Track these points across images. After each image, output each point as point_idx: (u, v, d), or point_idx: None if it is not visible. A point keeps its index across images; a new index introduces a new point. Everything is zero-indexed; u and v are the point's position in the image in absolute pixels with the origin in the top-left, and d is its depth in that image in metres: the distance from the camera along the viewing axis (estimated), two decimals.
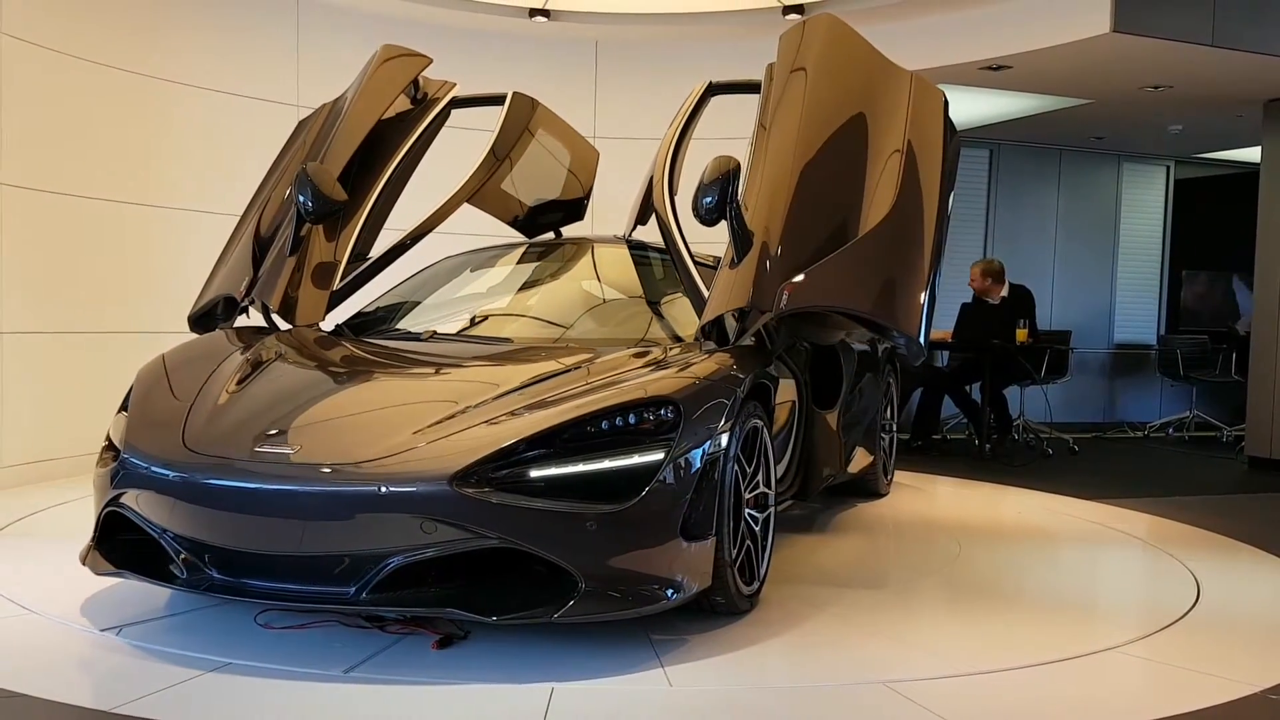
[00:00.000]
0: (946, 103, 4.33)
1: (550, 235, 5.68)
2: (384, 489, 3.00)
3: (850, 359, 4.91)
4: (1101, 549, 5.18)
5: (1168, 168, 11.18)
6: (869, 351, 5.63)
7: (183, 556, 3.24)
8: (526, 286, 5.00)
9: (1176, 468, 8.40)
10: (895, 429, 6.39)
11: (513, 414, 3.25)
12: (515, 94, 5.30)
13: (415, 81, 5.08)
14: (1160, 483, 7.44)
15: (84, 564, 3.48)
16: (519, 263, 5.15)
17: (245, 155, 6.93)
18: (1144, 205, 11.15)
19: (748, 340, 3.94)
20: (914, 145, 4.09)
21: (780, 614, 3.72)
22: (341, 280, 4.66)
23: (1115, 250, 11.01)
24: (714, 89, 4.82)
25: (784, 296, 3.71)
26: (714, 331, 3.92)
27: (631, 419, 3.21)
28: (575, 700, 2.88)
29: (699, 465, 3.26)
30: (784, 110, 4.07)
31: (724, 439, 3.36)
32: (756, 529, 3.70)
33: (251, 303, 4.54)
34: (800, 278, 3.72)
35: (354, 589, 3.03)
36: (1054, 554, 5.05)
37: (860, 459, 5.52)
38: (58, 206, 5.99)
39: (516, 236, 5.85)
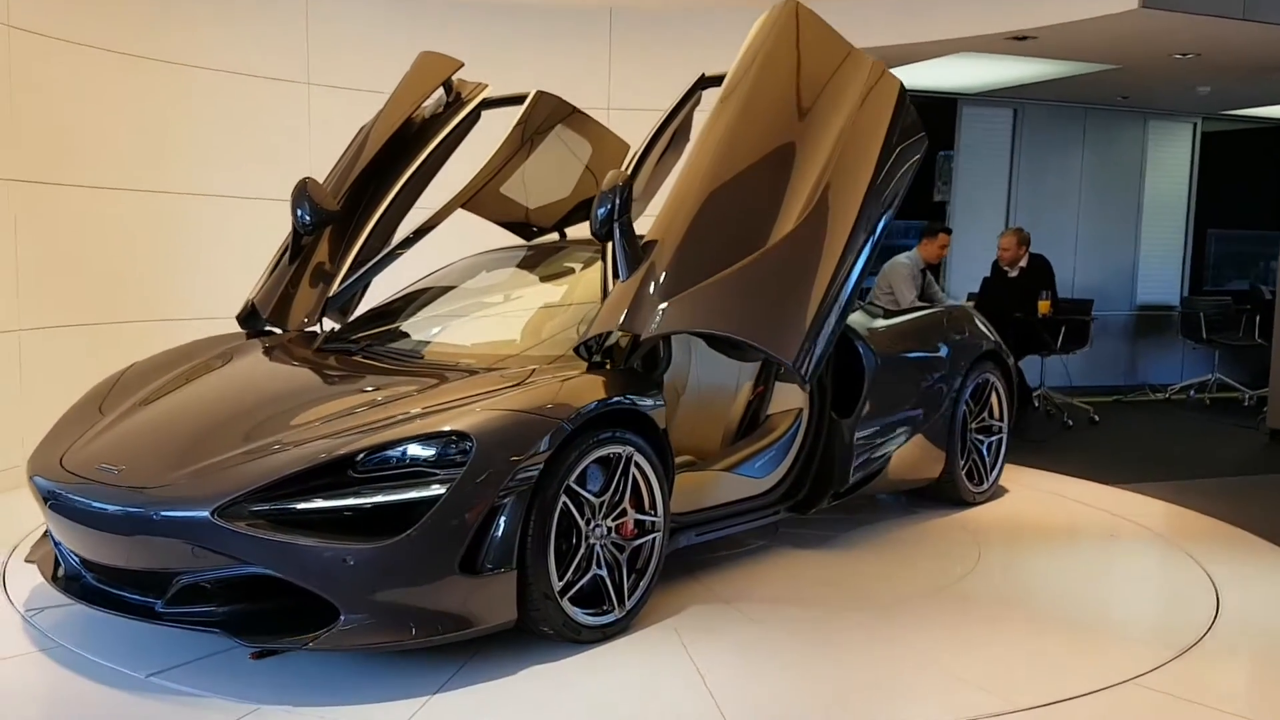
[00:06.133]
0: (903, 95, 4.16)
1: (554, 237, 5.61)
2: (156, 515, 3.21)
3: (873, 359, 4.81)
4: (1120, 551, 5.11)
5: (1194, 124, 10.96)
6: (933, 355, 5.38)
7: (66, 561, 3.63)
8: (490, 293, 5.02)
9: (1196, 441, 8.34)
10: (1006, 430, 5.79)
11: (309, 441, 3.33)
12: (538, 93, 5.20)
13: (449, 84, 5.06)
14: (1180, 460, 7.40)
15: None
16: (515, 267, 5.12)
17: (257, 137, 6.88)
18: (1170, 163, 10.96)
19: (637, 360, 3.91)
20: (848, 151, 3.97)
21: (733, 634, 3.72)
22: (340, 284, 4.69)
23: (1140, 210, 10.86)
24: (705, 82, 4.58)
25: (657, 319, 3.64)
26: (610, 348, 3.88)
27: (427, 451, 3.24)
28: None
29: (495, 499, 3.23)
30: (722, 110, 3.97)
31: (535, 471, 3.32)
32: (622, 557, 3.67)
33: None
34: (678, 299, 3.66)
35: (159, 602, 3.27)
36: (1072, 559, 4.93)
37: (918, 464, 5.24)
38: (72, 199, 5.96)
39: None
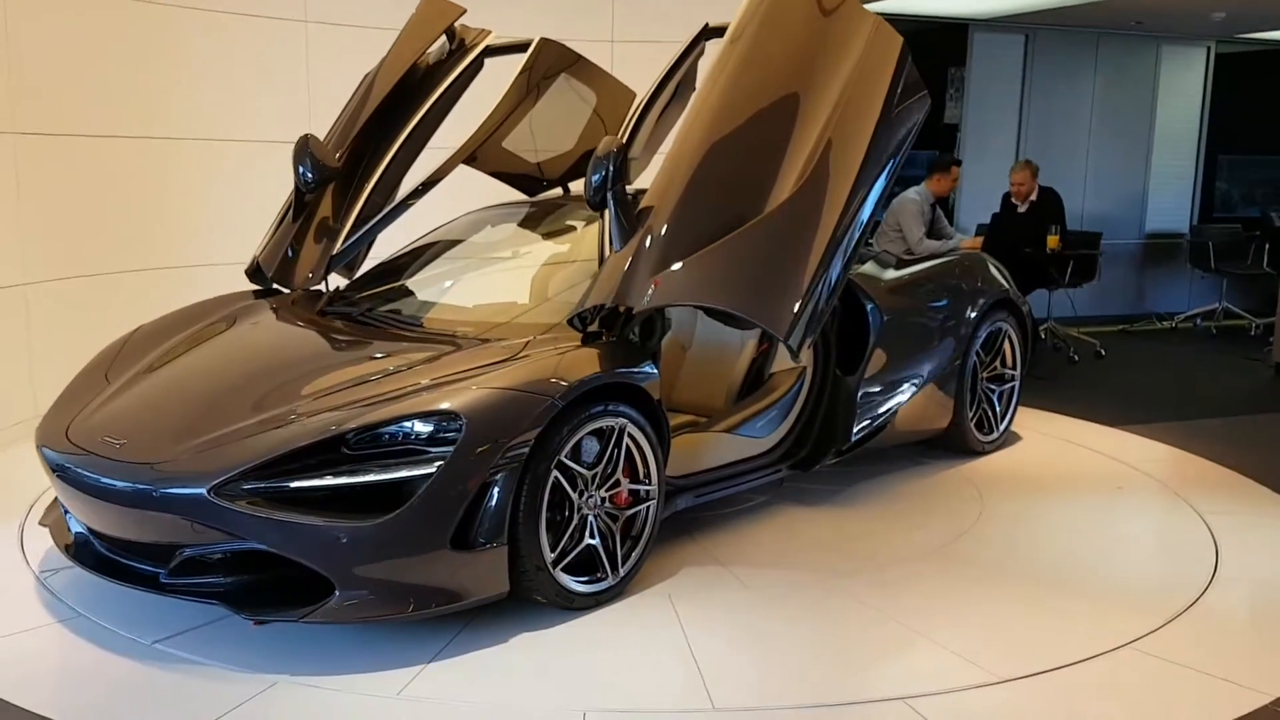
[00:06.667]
0: (905, 53, 4.05)
1: (558, 192, 5.54)
2: (156, 491, 3.25)
3: (879, 316, 4.79)
4: (1122, 504, 5.09)
5: (1208, 48, 10.76)
6: (942, 307, 5.32)
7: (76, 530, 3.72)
8: (491, 252, 4.98)
9: (1202, 375, 8.34)
10: (1018, 379, 5.75)
11: (305, 417, 3.36)
12: (542, 40, 5.10)
13: (452, 32, 4.97)
14: (1186, 398, 7.42)
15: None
16: (518, 225, 5.08)
17: (258, 78, 6.78)
18: (1182, 88, 10.79)
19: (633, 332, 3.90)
20: (848, 112, 3.88)
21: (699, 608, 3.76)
22: (345, 242, 4.66)
23: (1151, 136, 10.72)
24: (708, 32, 4.43)
25: (650, 292, 3.62)
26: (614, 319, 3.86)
27: (415, 430, 3.27)
28: (290, 694, 3.12)
29: (486, 475, 3.27)
30: (723, 63, 3.89)
31: (526, 448, 3.34)
32: (616, 526, 3.71)
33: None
34: (673, 270, 3.63)
35: (164, 573, 3.34)
36: (1073, 514, 4.87)
37: (926, 416, 5.22)
38: (75, 149, 5.90)
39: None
